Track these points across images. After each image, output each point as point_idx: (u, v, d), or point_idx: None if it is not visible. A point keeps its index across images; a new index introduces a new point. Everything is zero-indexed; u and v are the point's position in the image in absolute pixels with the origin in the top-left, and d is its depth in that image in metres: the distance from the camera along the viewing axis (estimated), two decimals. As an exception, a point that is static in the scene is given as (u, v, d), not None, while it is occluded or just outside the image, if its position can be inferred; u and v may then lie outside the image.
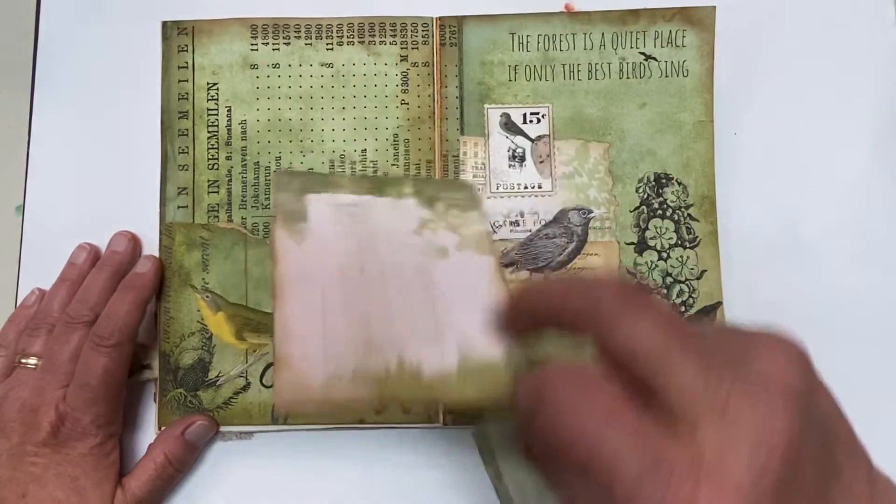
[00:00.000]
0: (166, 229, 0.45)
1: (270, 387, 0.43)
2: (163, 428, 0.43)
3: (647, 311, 0.22)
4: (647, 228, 0.44)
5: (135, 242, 0.46)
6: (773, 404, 0.20)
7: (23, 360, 0.42)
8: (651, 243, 0.44)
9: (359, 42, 0.46)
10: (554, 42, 0.45)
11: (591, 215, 0.44)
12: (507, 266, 0.44)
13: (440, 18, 0.46)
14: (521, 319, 0.28)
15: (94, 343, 0.40)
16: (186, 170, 0.45)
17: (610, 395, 0.22)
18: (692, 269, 0.44)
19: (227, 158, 0.45)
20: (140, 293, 0.43)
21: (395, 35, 0.46)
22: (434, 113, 0.45)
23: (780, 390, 0.20)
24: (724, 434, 0.19)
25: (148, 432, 0.44)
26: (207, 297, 0.44)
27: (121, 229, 0.46)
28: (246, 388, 0.44)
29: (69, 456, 0.40)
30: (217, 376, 0.44)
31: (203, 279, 0.44)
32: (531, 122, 0.45)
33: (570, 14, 0.46)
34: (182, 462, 0.43)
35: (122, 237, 0.45)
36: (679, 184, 0.44)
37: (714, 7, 0.44)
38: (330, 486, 0.44)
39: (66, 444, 0.40)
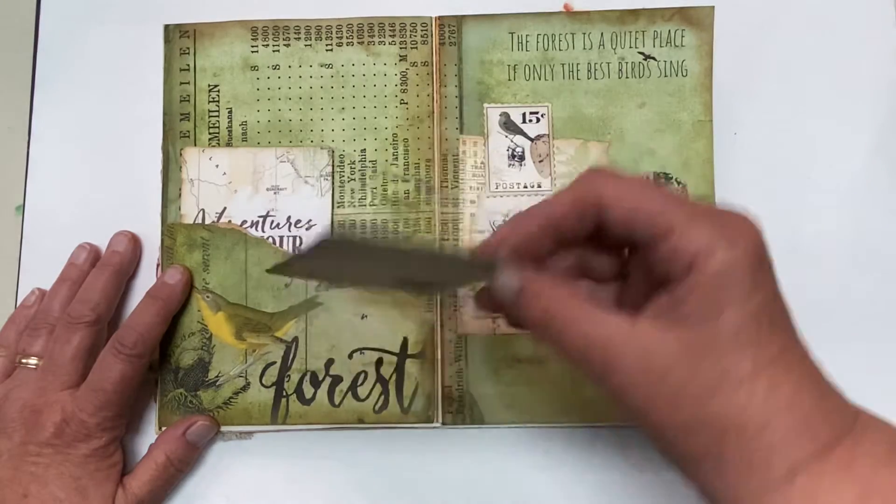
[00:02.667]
0: (168, 230, 0.45)
1: (270, 387, 0.44)
2: (163, 428, 0.43)
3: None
4: (646, 228, 0.44)
5: (135, 242, 0.46)
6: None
7: (23, 361, 0.42)
8: (651, 243, 0.44)
9: (358, 42, 0.46)
10: (553, 41, 0.45)
11: (591, 215, 0.44)
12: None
13: (439, 18, 0.46)
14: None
15: (115, 349, 0.41)
16: (186, 170, 0.45)
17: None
18: (692, 268, 0.44)
19: (227, 159, 0.45)
20: (167, 305, 0.43)
21: (394, 35, 0.46)
22: (433, 112, 0.45)
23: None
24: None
25: (148, 432, 0.45)
26: (208, 297, 0.44)
27: (121, 229, 0.46)
28: (246, 388, 0.44)
29: (71, 456, 0.40)
30: (217, 376, 0.44)
31: (203, 279, 0.44)
32: (530, 121, 0.45)
33: (570, 14, 0.46)
34: (183, 462, 0.43)
35: (122, 237, 0.45)
36: (678, 183, 0.44)
37: (713, 7, 0.44)
38: (330, 486, 0.44)
39: (70, 445, 0.40)
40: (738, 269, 0.26)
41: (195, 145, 0.45)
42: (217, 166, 0.45)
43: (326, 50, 0.46)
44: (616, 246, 0.32)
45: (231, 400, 0.44)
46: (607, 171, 0.30)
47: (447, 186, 0.45)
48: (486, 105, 0.45)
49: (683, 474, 0.28)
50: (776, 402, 0.26)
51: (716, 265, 0.26)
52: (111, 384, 0.40)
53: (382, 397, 0.43)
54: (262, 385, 0.44)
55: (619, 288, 0.33)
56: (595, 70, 0.45)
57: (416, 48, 0.46)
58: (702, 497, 0.28)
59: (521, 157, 0.45)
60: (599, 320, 0.28)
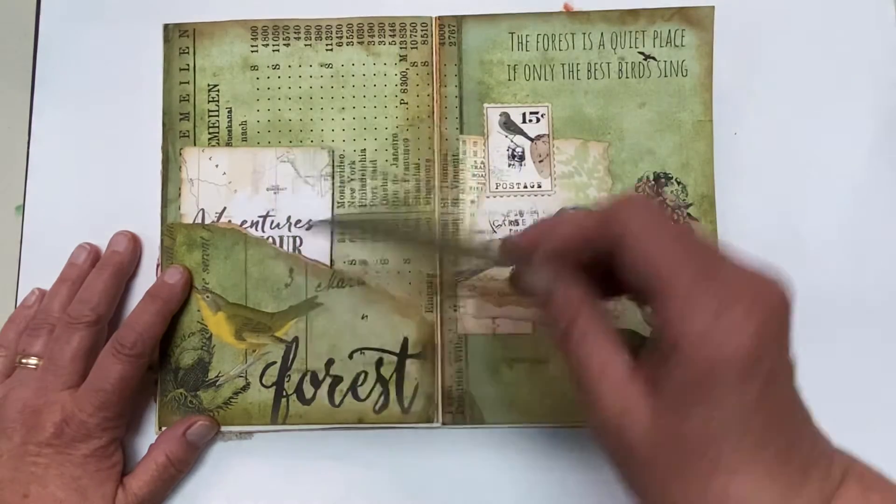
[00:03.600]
0: (167, 230, 0.45)
1: (270, 387, 0.44)
2: (163, 428, 0.43)
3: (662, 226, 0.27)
4: (646, 228, 0.44)
5: (135, 242, 0.46)
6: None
7: (23, 361, 0.42)
8: (651, 243, 0.44)
9: (358, 42, 0.46)
10: (553, 41, 0.45)
11: (591, 215, 0.44)
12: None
13: (439, 18, 0.46)
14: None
15: (114, 350, 0.41)
16: (186, 170, 0.45)
17: None
18: (692, 268, 0.44)
19: (227, 159, 0.45)
20: (167, 305, 0.43)
21: (394, 35, 0.46)
22: (433, 112, 0.45)
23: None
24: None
25: (148, 432, 0.45)
26: (207, 297, 0.44)
27: (121, 229, 0.46)
28: (246, 388, 0.44)
29: (71, 456, 0.40)
30: (217, 376, 0.44)
31: (203, 279, 0.44)
32: (530, 121, 0.45)
33: (570, 14, 0.46)
34: (183, 462, 0.43)
35: (122, 237, 0.45)
36: (678, 183, 0.44)
37: (713, 7, 0.45)
38: (330, 486, 0.44)
39: (70, 445, 0.40)
40: (724, 374, 0.24)
41: (195, 145, 0.45)
42: (217, 166, 0.45)
43: (326, 50, 0.46)
44: (624, 287, 0.30)
45: (231, 400, 0.44)
46: (643, 204, 0.28)
47: (447, 186, 0.45)
48: (486, 105, 0.45)
49: None
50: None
51: (698, 359, 0.24)
52: (111, 384, 0.40)
53: (383, 397, 0.43)
54: (263, 385, 0.44)
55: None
56: (595, 70, 0.45)
57: (417, 48, 0.46)
58: None
59: (521, 157, 0.45)
60: (603, 369, 0.27)
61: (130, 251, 0.45)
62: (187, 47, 0.46)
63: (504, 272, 0.44)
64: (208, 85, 0.46)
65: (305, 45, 0.46)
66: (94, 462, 0.40)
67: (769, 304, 0.25)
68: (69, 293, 0.43)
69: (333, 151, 0.45)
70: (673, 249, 0.26)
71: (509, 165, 0.45)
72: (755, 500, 0.24)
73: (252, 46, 0.46)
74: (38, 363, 0.42)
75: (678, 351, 0.24)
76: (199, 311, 0.44)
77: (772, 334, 0.24)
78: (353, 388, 0.43)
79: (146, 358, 0.42)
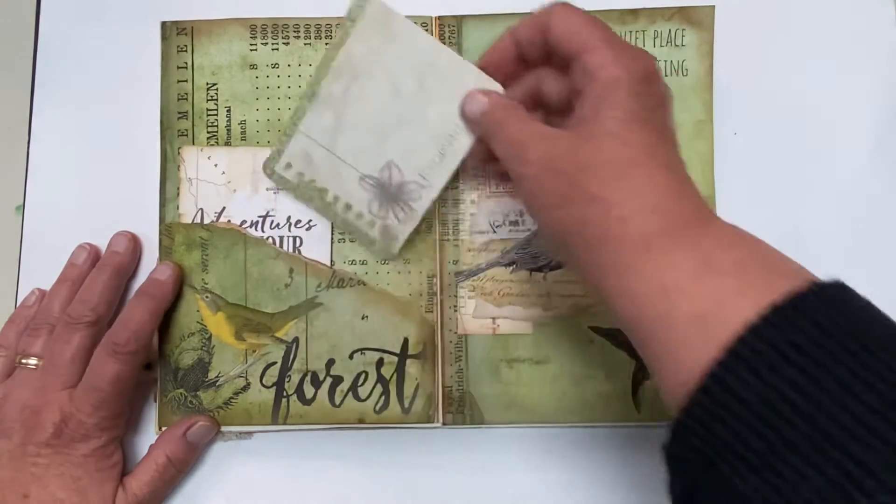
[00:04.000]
0: (166, 230, 0.45)
1: (270, 387, 0.44)
2: (163, 428, 0.43)
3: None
4: (646, 228, 0.44)
5: (135, 242, 0.46)
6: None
7: (23, 361, 0.42)
8: (650, 243, 0.44)
9: (358, 42, 0.46)
10: (553, 42, 0.45)
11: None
12: (506, 265, 0.44)
13: (440, 18, 0.46)
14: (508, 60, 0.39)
15: (109, 348, 0.41)
16: (186, 170, 0.45)
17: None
18: (692, 268, 0.44)
19: (227, 158, 0.45)
20: (158, 301, 0.43)
21: (394, 35, 0.46)
22: (433, 113, 0.45)
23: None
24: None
25: (148, 432, 0.45)
26: (207, 297, 0.44)
27: (121, 229, 0.46)
28: (246, 388, 0.44)
29: (71, 457, 0.40)
30: (217, 376, 0.44)
31: (203, 279, 0.44)
32: (530, 121, 0.45)
33: (570, 14, 0.46)
34: (184, 462, 0.43)
35: (122, 237, 0.45)
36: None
37: (713, 7, 0.44)
38: (330, 486, 0.44)
39: (69, 445, 0.40)
40: (622, 83, 0.31)
41: (193, 144, 0.45)
42: (216, 165, 0.45)
43: (326, 48, 0.46)
44: (561, 67, 0.36)
45: (231, 400, 0.44)
46: (566, 4, 0.36)
47: (447, 187, 0.45)
48: (486, 105, 0.45)
49: (568, 263, 0.33)
50: (635, 183, 0.30)
51: (606, 77, 0.32)
52: (107, 383, 0.40)
53: (383, 397, 0.43)
54: (263, 385, 0.44)
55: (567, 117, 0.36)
56: (595, 70, 0.45)
57: (416, 48, 0.45)
58: (584, 282, 0.34)
59: (521, 157, 0.45)
60: (526, 125, 0.34)
61: (130, 251, 0.45)
62: (185, 45, 0.46)
63: (504, 272, 0.44)
64: (207, 83, 0.46)
65: (305, 43, 0.46)
66: (94, 462, 0.40)
67: (649, 61, 0.33)
68: (69, 293, 0.43)
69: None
70: (586, 24, 0.34)
71: (509, 165, 0.45)
72: (649, 188, 0.30)
73: (251, 45, 0.46)
74: (37, 363, 0.42)
75: (591, 78, 0.32)
76: (198, 311, 0.44)
77: (654, 74, 0.33)
78: (353, 388, 0.43)
79: (141, 356, 0.42)
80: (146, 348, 0.42)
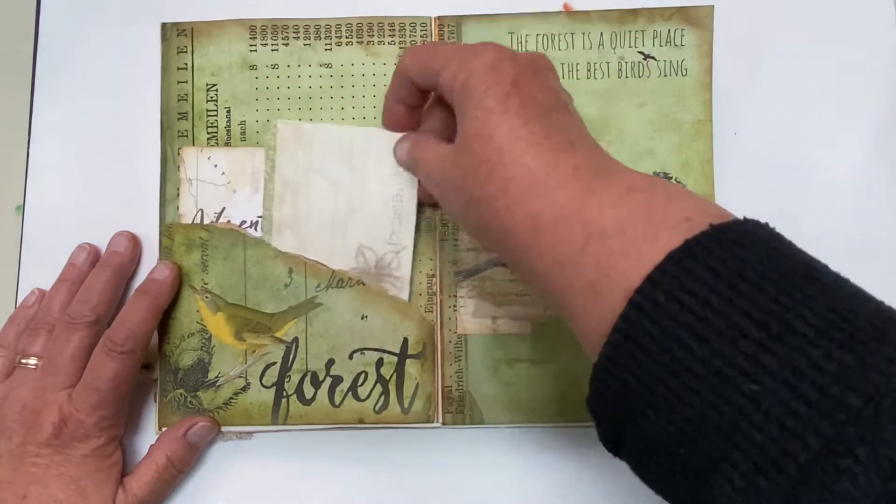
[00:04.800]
0: (166, 230, 0.45)
1: (270, 387, 0.44)
2: (163, 428, 0.43)
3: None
4: (646, 228, 0.44)
5: (135, 242, 0.46)
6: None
7: (23, 361, 0.42)
8: (650, 243, 0.44)
9: (357, 42, 0.46)
10: (552, 41, 0.45)
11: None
12: (506, 265, 0.44)
13: (439, 18, 0.46)
14: (404, 91, 0.40)
15: (107, 348, 0.41)
16: (186, 170, 0.45)
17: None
18: (691, 268, 0.44)
19: (227, 159, 0.45)
20: (156, 301, 0.43)
21: (393, 35, 0.46)
22: (433, 113, 0.45)
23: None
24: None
25: (148, 433, 0.45)
26: (207, 297, 0.44)
27: (121, 229, 0.46)
28: (246, 388, 0.44)
29: (71, 457, 0.40)
30: (217, 377, 0.44)
31: (202, 280, 0.44)
32: (530, 121, 0.45)
33: (569, 13, 0.46)
34: (184, 463, 0.43)
35: (122, 237, 0.45)
36: (678, 182, 0.44)
37: (712, 6, 0.44)
38: (330, 486, 0.44)
39: (69, 445, 0.40)
40: (469, 83, 0.32)
41: (193, 145, 0.45)
42: (216, 166, 0.45)
43: (325, 49, 0.46)
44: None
45: (231, 400, 0.44)
46: (411, 48, 0.38)
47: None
48: (485, 105, 0.45)
49: (499, 254, 0.34)
50: (506, 171, 0.30)
51: (458, 86, 0.33)
52: (105, 382, 0.40)
53: (383, 397, 0.43)
54: (263, 385, 0.44)
55: None
56: (595, 70, 0.45)
57: (416, 48, 0.46)
58: (514, 272, 0.35)
59: (521, 157, 0.45)
60: (430, 151, 0.36)
61: (130, 251, 0.45)
62: (185, 46, 0.46)
63: (504, 272, 0.44)
64: (207, 84, 0.46)
65: (304, 44, 0.46)
66: (94, 462, 0.40)
67: (490, 48, 0.33)
68: (69, 293, 0.43)
69: (333, 151, 0.45)
70: (430, 51, 0.36)
71: (509, 165, 0.45)
72: (522, 171, 0.30)
73: (251, 46, 0.46)
74: (37, 363, 0.42)
75: (451, 92, 0.34)
76: (198, 311, 0.44)
77: (499, 59, 0.33)
78: (353, 388, 0.43)
79: (139, 355, 0.42)
80: (145, 348, 0.42)
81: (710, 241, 0.25)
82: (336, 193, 0.44)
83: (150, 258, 0.46)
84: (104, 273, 0.44)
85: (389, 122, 0.42)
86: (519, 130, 0.31)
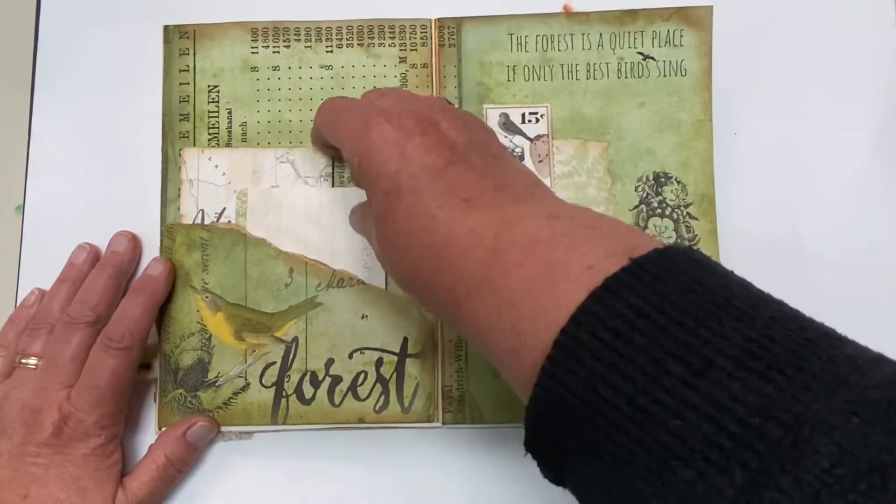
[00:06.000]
0: (167, 230, 0.45)
1: (270, 387, 0.44)
2: (163, 428, 0.43)
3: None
4: (646, 227, 0.44)
5: (135, 242, 0.46)
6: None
7: (23, 361, 0.42)
8: (650, 242, 0.44)
9: (358, 44, 0.46)
10: (552, 42, 0.45)
11: (590, 214, 0.44)
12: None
13: (439, 20, 0.46)
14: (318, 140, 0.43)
15: (104, 345, 0.41)
16: (186, 171, 0.45)
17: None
18: (692, 268, 0.44)
19: (227, 159, 0.45)
20: (152, 297, 0.43)
21: (393, 37, 0.46)
22: (433, 113, 0.45)
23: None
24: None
25: (148, 432, 0.45)
26: (207, 297, 0.44)
27: (121, 229, 0.46)
28: (245, 388, 0.44)
29: (71, 456, 0.40)
30: (217, 377, 0.44)
31: (203, 279, 0.44)
32: (530, 121, 0.45)
33: (569, 15, 0.46)
34: (183, 463, 0.43)
35: (122, 237, 0.45)
36: (678, 182, 0.44)
37: (711, 7, 0.45)
38: (330, 486, 0.44)
39: (69, 445, 0.40)
40: (365, 164, 0.32)
41: (194, 146, 0.45)
42: (216, 167, 0.45)
43: (326, 51, 0.46)
44: None
45: (231, 400, 0.44)
46: (321, 107, 0.39)
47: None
48: (485, 106, 0.45)
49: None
50: (429, 236, 0.30)
51: (356, 165, 0.33)
52: (103, 380, 0.40)
53: (383, 397, 0.43)
54: (262, 385, 0.44)
55: None
56: (594, 70, 0.45)
57: (416, 50, 0.46)
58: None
59: (521, 158, 0.45)
60: (367, 222, 0.35)
61: (130, 251, 0.45)
62: (187, 48, 0.46)
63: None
64: (208, 86, 0.46)
65: (305, 46, 0.46)
66: (94, 461, 0.40)
67: (384, 121, 0.33)
68: (69, 293, 0.43)
69: (333, 152, 0.45)
70: (330, 118, 0.37)
71: (509, 165, 0.45)
72: (416, 185, 0.30)
73: (252, 48, 0.46)
74: (37, 363, 0.41)
75: (354, 172, 0.34)
76: (198, 311, 0.44)
77: (390, 132, 0.32)
78: (352, 387, 0.43)
79: (136, 351, 0.42)
80: (142, 344, 0.42)
81: (629, 276, 0.24)
82: (305, 252, 0.44)
83: (150, 258, 0.46)
84: (104, 273, 0.44)
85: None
86: (414, 208, 0.30)
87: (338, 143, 0.36)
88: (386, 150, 0.32)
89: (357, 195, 0.44)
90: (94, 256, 0.45)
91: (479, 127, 0.34)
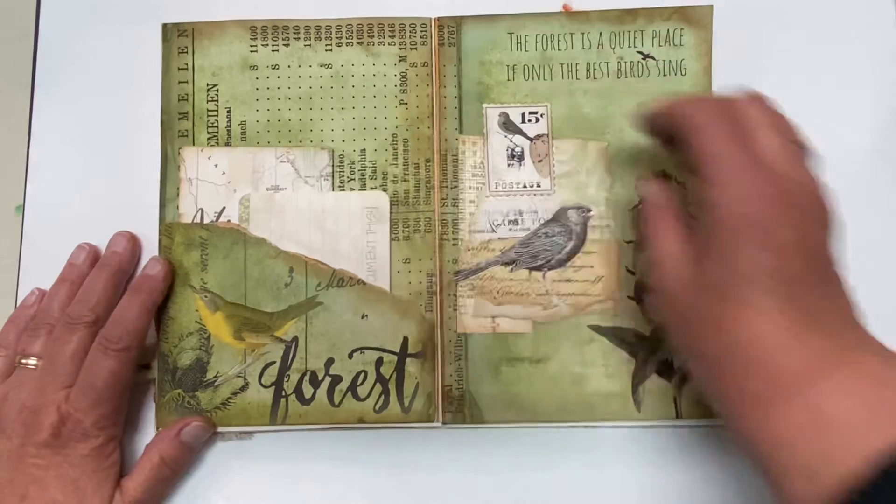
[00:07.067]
0: (166, 229, 0.45)
1: (269, 387, 0.44)
2: (161, 429, 0.43)
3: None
4: (646, 227, 0.44)
5: (134, 242, 0.46)
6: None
7: (23, 361, 0.42)
8: (650, 242, 0.44)
9: (357, 43, 0.46)
10: (552, 42, 0.45)
11: (591, 214, 0.44)
12: (506, 264, 0.44)
13: (439, 19, 0.46)
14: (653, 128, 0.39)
15: (102, 346, 0.41)
16: (186, 170, 0.45)
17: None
18: (691, 268, 0.44)
19: (227, 159, 0.45)
20: (150, 297, 0.43)
21: (393, 36, 0.46)
22: (433, 113, 0.45)
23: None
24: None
25: (147, 433, 0.44)
26: (206, 296, 0.44)
27: (121, 229, 0.46)
28: (244, 388, 0.44)
29: (69, 457, 0.40)
30: (215, 376, 0.44)
31: (202, 279, 0.44)
32: (529, 121, 0.45)
33: (568, 14, 0.46)
34: (178, 463, 0.43)
35: (121, 237, 0.45)
36: (678, 182, 0.44)
37: (711, 6, 0.45)
38: (330, 486, 0.44)
39: (67, 446, 0.40)
40: (754, 221, 0.31)
41: (193, 144, 0.45)
42: (216, 166, 0.45)
43: (326, 50, 0.46)
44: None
45: (230, 400, 0.44)
46: (691, 96, 0.39)
47: (447, 186, 0.45)
48: (485, 105, 0.45)
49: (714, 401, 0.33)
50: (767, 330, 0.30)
51: (734, 213, 0.32)
52: (102, 381, 0.40)
53: (382, 397, 0.43)
54: (262, 385, 0.44)
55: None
56: (594, 70, 0.45)
57: (416, 49, 0.46)
58: (727, 422, 0.32)
59: (521, 157, 0.45)
60: (665, 242, 0.35)
61: (130, 251, 0.45)
62: (186, 47, 0.46)
63: (503, 271, 0.44)
64: (207, 85, 0.46)
65: (305, 45, 0.46)
66: (92, 462, 0.40)
67: (778, 178, 0.33)
68: (69, 293, 0.43)
69: (333, 151, 0.45)
70: (726, 144, 0.33)
71: (509, 165, 0.45)
72: (766, 332, 0.30)
73: (251, 46, 0.46)
74: (37, 363, 0.41)
75: (716, 208, 0.32)
76: (197, 310, 0.44)
77: (799, 217, 0.32)
78: (352, 387, 0.43)
79: (134, 352, 0.41)
80: (140, 344, 0.42)
81: None
82: (309, 256, 0.44)
83: (149, 258, 0.46)
84: (104, 273, 0.43)
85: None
86: (774, 314, 0.30)
87: (698, 167, 0.34)
88: (779, 273, 0.31)
89: (357, 196, 0.44)
90: (94, 256, 0.45)
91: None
